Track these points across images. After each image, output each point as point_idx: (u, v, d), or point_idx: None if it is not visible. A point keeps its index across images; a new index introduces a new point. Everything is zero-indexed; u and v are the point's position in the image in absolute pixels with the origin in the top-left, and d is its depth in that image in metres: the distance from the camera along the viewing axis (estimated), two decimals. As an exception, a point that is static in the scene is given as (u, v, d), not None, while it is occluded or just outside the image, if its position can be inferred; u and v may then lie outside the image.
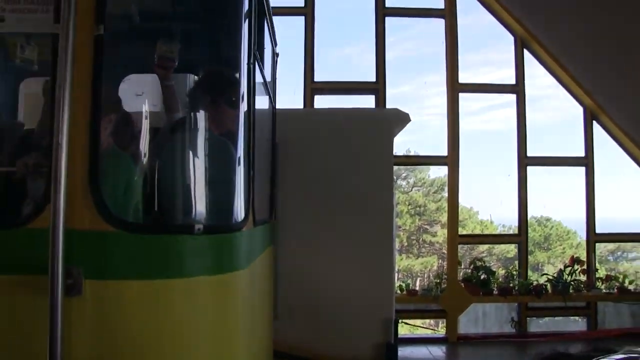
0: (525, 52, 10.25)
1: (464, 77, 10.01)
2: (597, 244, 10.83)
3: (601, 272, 14.04)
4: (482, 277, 9.63)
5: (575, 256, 10.53)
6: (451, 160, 9.75)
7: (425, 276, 19.78)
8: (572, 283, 9.91)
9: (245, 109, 3.15)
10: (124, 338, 2.47)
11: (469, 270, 9.96)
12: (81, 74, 2.37)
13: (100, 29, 2.47)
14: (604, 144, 10.57)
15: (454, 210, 9.89)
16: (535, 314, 10.21)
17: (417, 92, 36.20)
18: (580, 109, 10.43)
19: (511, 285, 9.71)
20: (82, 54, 2.39)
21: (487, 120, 38.28)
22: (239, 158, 3.05)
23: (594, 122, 10.41)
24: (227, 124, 3.20)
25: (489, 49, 24.30)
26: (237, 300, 2.87)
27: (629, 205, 13.87)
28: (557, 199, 27.32)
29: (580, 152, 10.46)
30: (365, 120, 7.31)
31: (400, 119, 7.49)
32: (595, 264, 10.69)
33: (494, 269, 12.51)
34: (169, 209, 2.87)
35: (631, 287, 10.17)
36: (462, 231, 19.73)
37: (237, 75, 3.20)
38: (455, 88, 9.80)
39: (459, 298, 9.38)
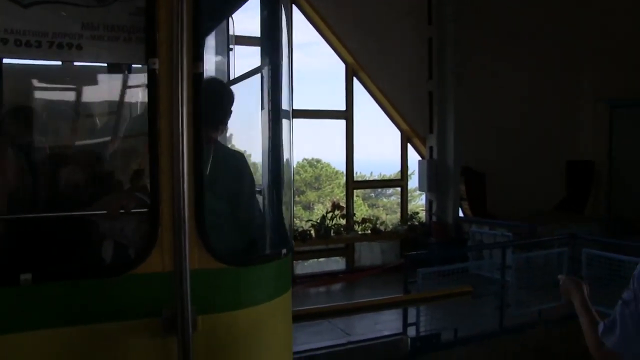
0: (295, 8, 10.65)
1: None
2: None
3: (363, 211, 15.54)
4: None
5: (335, 202, 11.46)
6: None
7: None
8: (333, 227, 10.81)
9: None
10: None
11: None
12: (178, 115, 2.30)
13: (200, 67, 2.37)
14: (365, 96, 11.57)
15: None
16: (301, 257, 11.08)
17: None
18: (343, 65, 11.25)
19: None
20: (184, 94, 2.32)
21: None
22: (288, 177, 3.14)
23: (355, 78, 11.24)
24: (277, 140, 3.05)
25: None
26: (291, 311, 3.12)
27: (384, 149, 15.38)
28: (326, 141, 29.02)
29: (343, 106, 11.31)
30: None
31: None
32: (353, 208, 11.76)
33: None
34: (262, 238, 2.95)
35: (382, 228, 11.42)
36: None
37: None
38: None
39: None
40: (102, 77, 3.34)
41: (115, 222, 2.59)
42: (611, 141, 12.79)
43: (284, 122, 2.98)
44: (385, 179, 15.88)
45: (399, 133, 12.29)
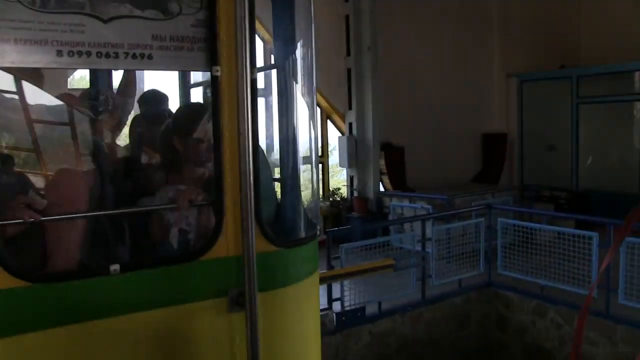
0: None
1: None
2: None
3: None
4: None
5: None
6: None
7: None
8: (256, 206, 10.68)
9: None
10: (285, 333, 2.95)
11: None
12: (244, 117, 2.63)
13: (254, 73, 2.65)
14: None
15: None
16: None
17: None
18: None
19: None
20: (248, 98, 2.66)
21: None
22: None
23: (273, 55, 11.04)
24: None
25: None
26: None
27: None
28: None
29: (262, 84, 11.09)
30: None
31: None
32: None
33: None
34: (302, 221, 3.23)
35: (305, 206, 11.36)
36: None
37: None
38: None
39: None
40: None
41: (182, 214, 2.86)
42: (521, 114, 13.33)
43: (307, 106, 3.30)
44: (306, 155, 15.83)
45: (318, 110, 12.27)
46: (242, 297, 2.67)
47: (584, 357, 7.54)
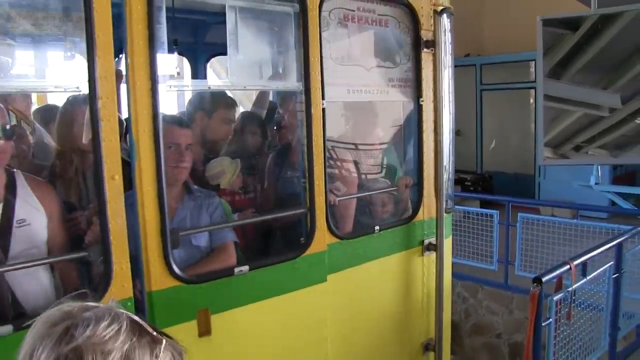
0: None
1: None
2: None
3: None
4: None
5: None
6: None
7: None
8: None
9: None
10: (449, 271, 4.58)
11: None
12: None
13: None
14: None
15: None
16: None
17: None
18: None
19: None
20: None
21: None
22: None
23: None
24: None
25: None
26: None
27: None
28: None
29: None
30: None
31: None
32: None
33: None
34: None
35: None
36: None
37: None
38: None
39: None
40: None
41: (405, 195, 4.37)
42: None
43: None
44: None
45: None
46: (431, 245, 4.23)
47: (485, 326, 8.12)
